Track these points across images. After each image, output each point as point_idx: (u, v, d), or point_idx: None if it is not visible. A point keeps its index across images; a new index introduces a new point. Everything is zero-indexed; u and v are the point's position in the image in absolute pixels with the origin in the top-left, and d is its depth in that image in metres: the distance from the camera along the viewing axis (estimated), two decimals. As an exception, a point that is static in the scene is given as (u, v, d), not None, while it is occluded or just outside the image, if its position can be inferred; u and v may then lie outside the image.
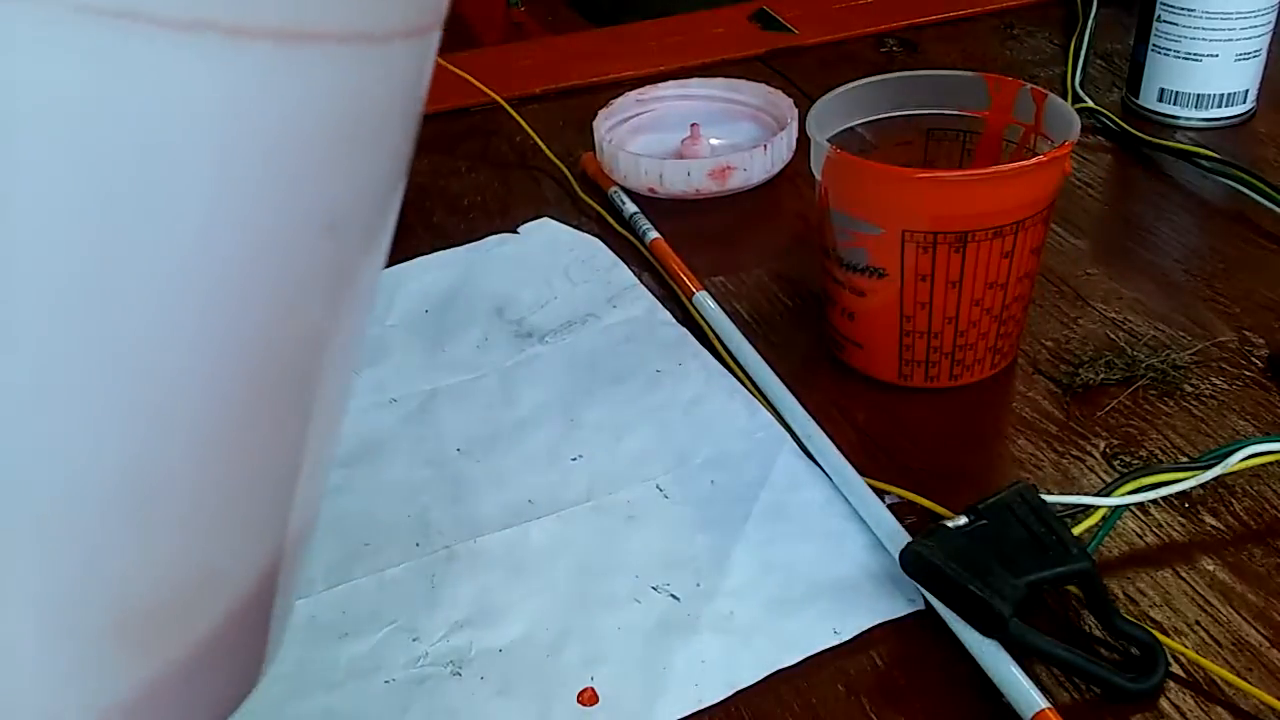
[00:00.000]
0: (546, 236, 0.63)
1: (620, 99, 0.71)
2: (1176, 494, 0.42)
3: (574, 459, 0.47)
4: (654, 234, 0.61)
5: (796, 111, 0.67)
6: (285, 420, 0.16)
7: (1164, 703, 0.37)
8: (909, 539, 0.40)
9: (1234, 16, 0.67)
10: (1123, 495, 0.41)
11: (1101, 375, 0.51)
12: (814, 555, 0.42)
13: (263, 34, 0.14)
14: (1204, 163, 0.64)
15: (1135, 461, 0.46)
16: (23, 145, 0.13)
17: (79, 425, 0.14)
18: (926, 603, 0.40)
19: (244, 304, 0.15)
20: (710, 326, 0.54)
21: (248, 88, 0.14)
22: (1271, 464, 0.43)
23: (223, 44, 0.14)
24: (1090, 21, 0.82)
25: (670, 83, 0.72)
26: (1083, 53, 0.79)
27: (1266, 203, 0.60)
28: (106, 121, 0.13)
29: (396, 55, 0.16)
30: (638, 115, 0.72)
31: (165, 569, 0.15)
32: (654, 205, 0.64)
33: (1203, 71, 0.69)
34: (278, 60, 0.14)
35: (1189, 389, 0.50)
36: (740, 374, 0.51)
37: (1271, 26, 0.69)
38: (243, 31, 0.14)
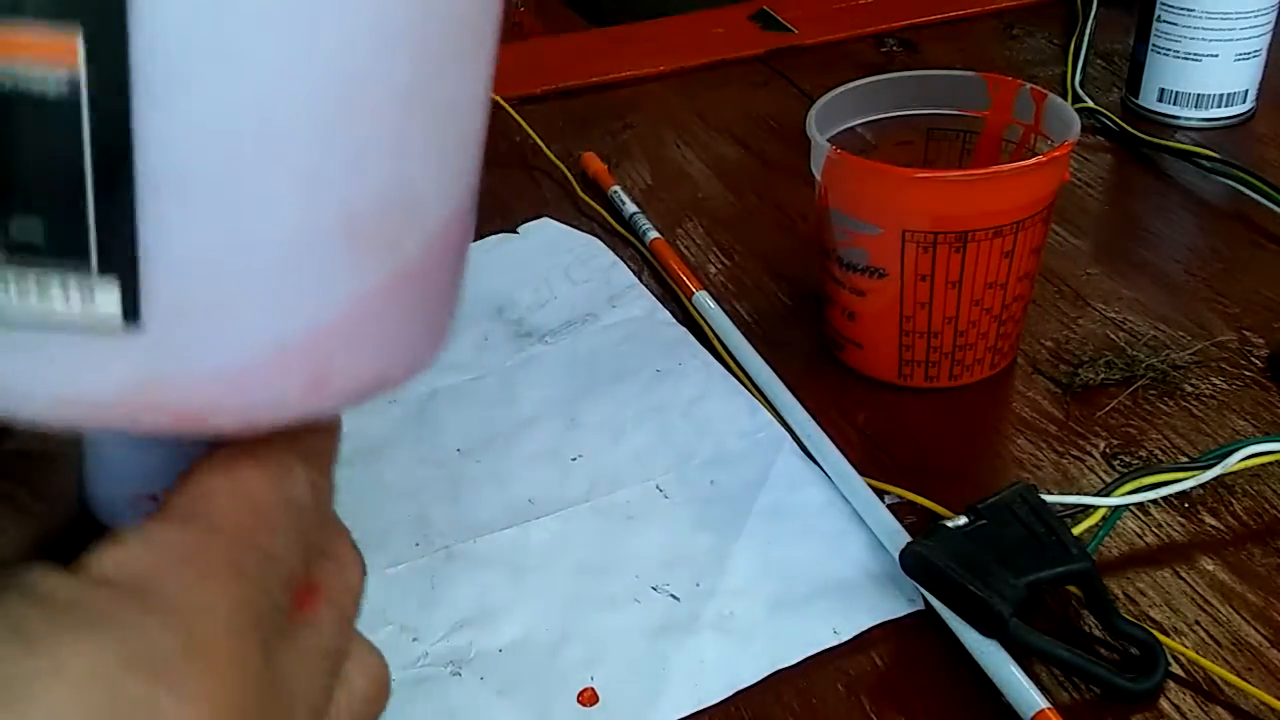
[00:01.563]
0: (546, 236, 0.63)
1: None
2: (1176, 494, 0.42)
3: (574, 459, 0.47)
4: (654, 234, 0.61)
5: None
6: (468, 69, 0.20)
7: (1164, 703, 0.37)
8: (909, 539, 0.40)
9: (1234, 16, 0.67)
10: (1123, 495, 0.41)
11: (1101, 375, 0.51)
12: (814, 555, 0.42)
13: None
14: (1204, 163, 0.64)
15: (1135, 461, 0.46)
16: None
17: (315, 55, 0.17)
18: (926, 603, 0.40)
19: None
20: (710, 326, 0.54)
21: None
22: (1271, 464, 0.43)
23: None
24: (1090, 21, 0.82)
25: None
26: (1083, 53, 0.79)
27: (1266, 203, 0.60)
28: None
29: None
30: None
31: (378, 185, 0.18)
32: (654, 205, 0.64)
33: (1203, 71, 0.69)
34: None
35: (1189, 389, 0.50)
36: (740, 374, 0.51)
37: (1271, 26, 0.69)
38: None
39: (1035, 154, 0.49)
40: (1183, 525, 0.43)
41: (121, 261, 0.17)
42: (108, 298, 0.17)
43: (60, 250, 0.17)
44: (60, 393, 0.18)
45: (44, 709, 0.15)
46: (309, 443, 0.21)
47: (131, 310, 0.17)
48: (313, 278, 0.18)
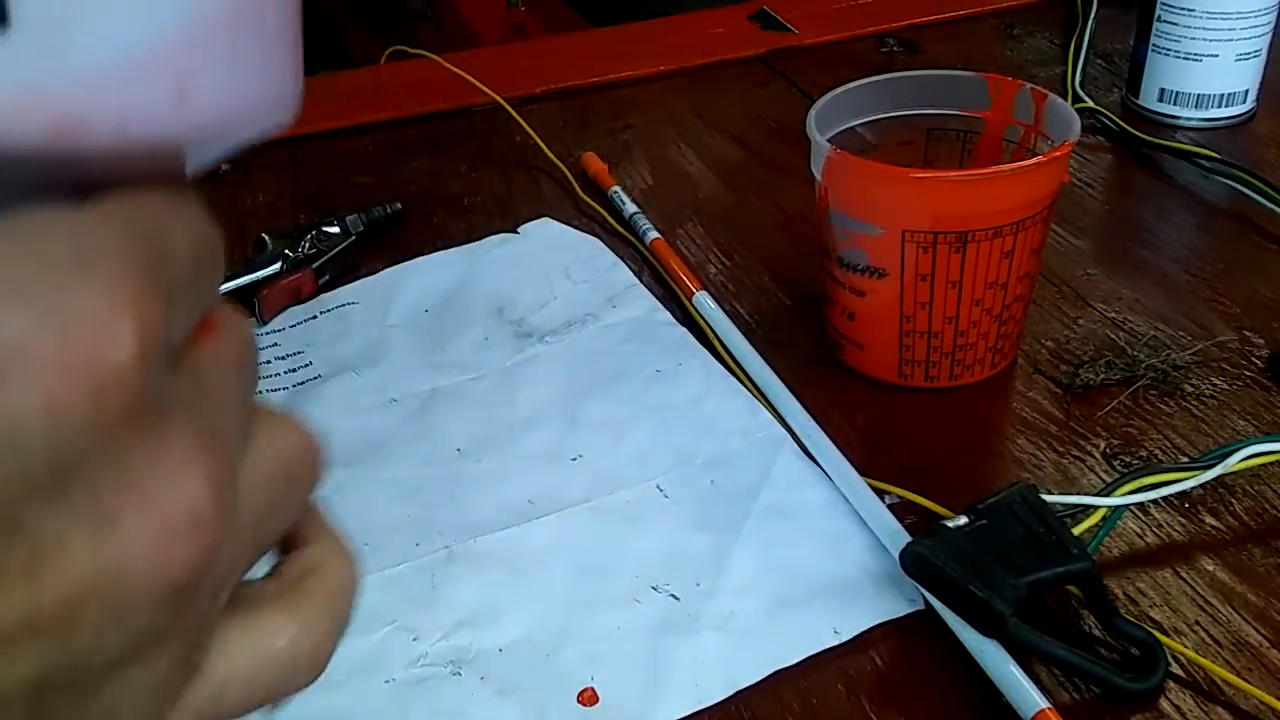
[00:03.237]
0: (547, 236, 0.63)
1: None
2: (1176, 494, 0.42)
3: (574, 459, 0.47)
4: (654, 234, 0.61)
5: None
6: None
7: (1164, 703, 0.37)
8: (909, 539, 0.40)
9: (1234, 16, 0.67)
10: (1123, 495, 0.41)
11: (1101, 375, 0.51)
12: (814, 555, 0.42)
13: None
14: (1204, 163, 0.64)
15: (1135, 461, 0.46)
16: None
17: None
18: (926, 603, 0.40)
19: None
20: (710, 326, 0.54)
21: None
22: (1271, 464, 0.43)
23: None
24: (1090, 21, 0.82)
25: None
26: (1083, 53, 0.79)
27: (1266, 203, 0.60)
28: None
29: None
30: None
31: None
32: (654, 205, 0.64)
33: (1203, 71, 0.69)
34: None
35: (1189, 389, 0.50)
36: (740, 374, 0.51)
37: (1271, 26, 0.69)
38: None
39: (1035, 154, 0.49)
40: (1183, 525, 0.43)
41: None
42: None
43: None
44: None
45: None
46: (179, 201, 0.20)
47: (2, 14, 0.18)
48: None
